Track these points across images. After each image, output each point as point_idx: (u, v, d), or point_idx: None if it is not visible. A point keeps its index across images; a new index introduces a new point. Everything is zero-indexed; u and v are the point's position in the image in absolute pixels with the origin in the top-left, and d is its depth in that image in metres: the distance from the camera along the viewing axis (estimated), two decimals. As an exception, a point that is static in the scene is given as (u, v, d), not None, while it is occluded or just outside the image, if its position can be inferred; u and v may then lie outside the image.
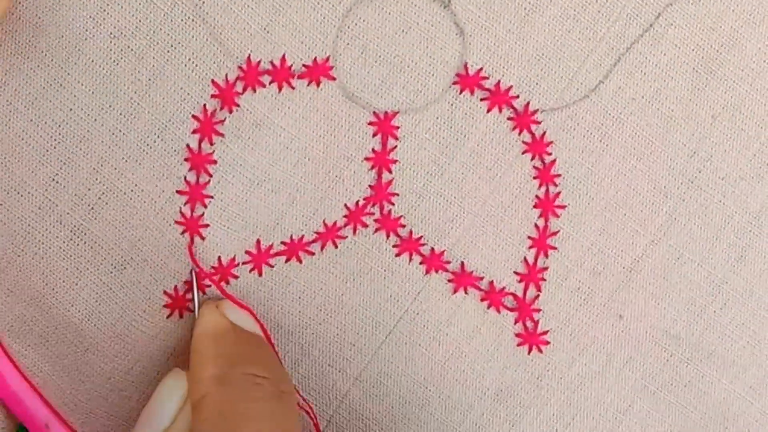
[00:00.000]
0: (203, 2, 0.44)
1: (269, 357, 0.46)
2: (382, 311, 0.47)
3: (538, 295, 0.48)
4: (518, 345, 0.48)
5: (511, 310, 0.48)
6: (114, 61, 0.44)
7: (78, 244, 0.45)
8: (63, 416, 0.48)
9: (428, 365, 0.48)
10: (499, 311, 0.48)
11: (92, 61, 0.44)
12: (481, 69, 0.46)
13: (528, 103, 0.46)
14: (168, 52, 0.44)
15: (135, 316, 0.46)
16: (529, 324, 0.48)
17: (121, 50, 0.44)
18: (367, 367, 0.48)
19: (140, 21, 0.44)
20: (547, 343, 0.48)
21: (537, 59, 0.46)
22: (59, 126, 0.44)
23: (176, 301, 0.46)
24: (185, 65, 0.44)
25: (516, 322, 0.48)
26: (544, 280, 0.48)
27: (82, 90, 0.44)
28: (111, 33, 0.44)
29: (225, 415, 0.41)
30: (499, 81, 0.46)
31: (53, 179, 0.45)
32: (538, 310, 0.48)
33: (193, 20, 0.44)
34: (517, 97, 0.46)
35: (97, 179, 0.45)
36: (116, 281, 0.46)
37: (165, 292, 0.46)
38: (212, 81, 0.44)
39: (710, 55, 0.46)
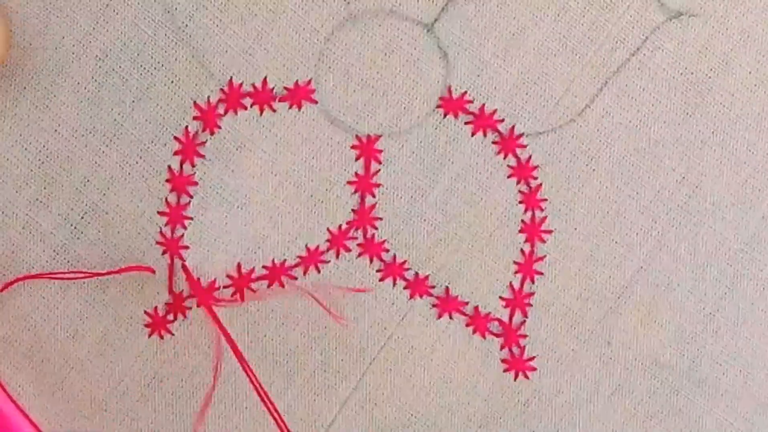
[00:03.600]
0: (186, 25, 0.47)
1: None
2: (367, 337, 0.50)
3: (525, 321, 0.50)
4: (504, 371, 0.50)
5: (497, 335, 0.50)
6: (99, 83, 0.47)
7: (61, 264, 0.48)
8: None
9: (413, 391, 0.50)
10: (484, 337, 0.50)
11: (78, 83, 0.47)
12: (466, 92, 0.48)
13: (513, 126, 0.48)
14: (151, 74, 0.47)
15: (117, 335, 0.49)
16: (515, 350, 0.50)
17: (107, 72, 0.47)
18: (352, 395, 0.50)
19: (125, 44, 0.46)
20: (534, 369, 0.50)
21: (522, 83, 0.48)
22: (44, 146, 0.47)
23: (156, 322, 0.49)
24: (168, 87, 0.47)
25: (502, 347, 0.50)
26: (531, 305, 0.50)
27: (68, 111, 0.47)
28: (97, 55, 0.47)
29: None
30: (483, 104, 0.48)
31: (37, 199, 0.47)
32: (525, 336, 0.50)
33: (176, 43, 0.47)
34: (502, 120, 0.48)
35: (80, 199, 0.47)
36: (99, 301, 0.48)
37: (146, 312, 0.49)
38: (194, 103, 0.47)
39: (699, 79, 0.48)
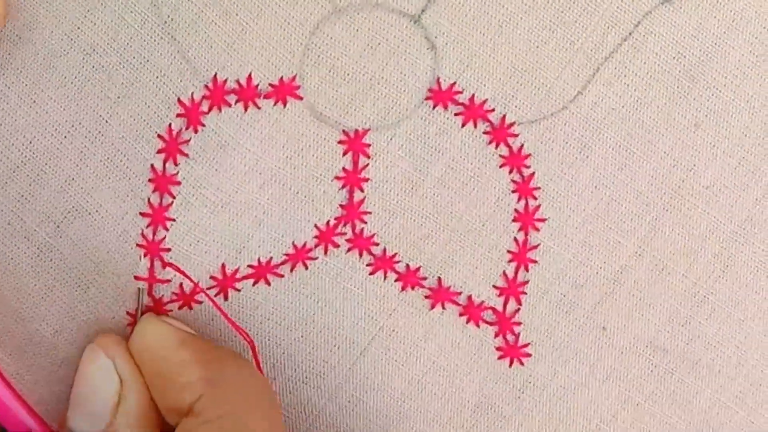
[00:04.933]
0: (171, 19, 0.46)
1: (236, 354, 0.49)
2: (356, 329, 0.50)
3: (519, 309, 0.50)
4: (499, 358, 0.51)
5: (491, 324, 0.50)
6: (85, 78, 0.46)
7: (45, 261, 0.48)
8: (47, 423, 0.51)
9: (405, 380, 0.51)
10: (478, 326, 0.50)
11: (65, 77, 0.46)
12: (455, 83, 0.48)
13: (504, 116, 0.48)
14: (137, 69, 0.46)
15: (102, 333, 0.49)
16: (509, 337, 0.51)
17: (93, 67, 0.46)
18: (342, 384, 0.51)
19: (112, 38, 0.46)
20: (529, 355, 0.51)
21: (512, 71, 0.48)
22: (30, 143, 0.47)
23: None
24: (153, 83, 0.46)
25: (496, 335, 0.51)
26: (525, 293, 0.50)
27: (54, 107, 0.46)
28: (84, 50, 0.46)
29: (227, 416, 0.45)
30: (473, 95, 0.48)
31: (22, 196, 0.47)
32: (519, 323, 0.50)
33: (161, 37, 0.46)
34: (493, 110, 0.48)
35: (64, 198, 0.47)
36: (82, 299, 0.48)
37: (127, 313, 0.49)
38: (178, 100, 0.47)
39: (692, 63, 0.48)
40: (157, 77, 0.47)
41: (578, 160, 0.49)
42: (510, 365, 0.51)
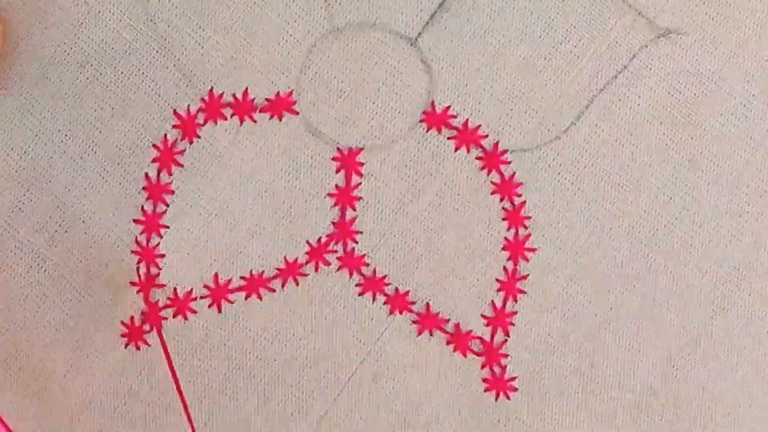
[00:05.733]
0: (168, 33, 0.47)
1: None
2: (345, 352, 0.50)
3: (506, 340, 0.50)
4: (485, 391, 0.50)
5: (478, 354, 0.50)
6: (80, 89, 0.47)
7: (38, 272, 0.49)
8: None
9: (392, 410, 0.50)
10: (465, 355, 0.50)
11: (59, 89, 0.47)
12: (449, 107, 0.49)
13: (497, 142, 0.49)
14: (132, 81, 0.47)
15: (93, 346, 0.49)
16: (496, 369, 0.50)
17: (88, 79, 0.47)
18: (328, 412, 0.50)
19: (106, 51, 0.47)
20: (515, 389, 0.50)
21: (507, 98, 0.49)
22: (25, 152, 0.48)
23: (133, 333, 0.49)
24: (148, 95, 0.48)
25: (483, 366, 0.50)
26: (513, 324, 0.50)
27: (49, 117, 0.48)
28: (79, 62, 0.47)
29: None
30: (467, 119, 0.49)
31: (16, 206, 0.48)
32: (506, 356, 0.50)
33: (157, 51, 0.47)
34: (486, 136, 0.49)
35: (58, 207, 0.48)
36: (75, 310, 0.49)
37: (122, 323, 0.49)
38: (174, 111, 0.48)
39: (687, 98, 0.49)
40: (153, 89, 0.48)
41: (570, 192, 0.49)
42: (496, 399, 0.51)
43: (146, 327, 0.49)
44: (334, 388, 0.50)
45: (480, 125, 0.49)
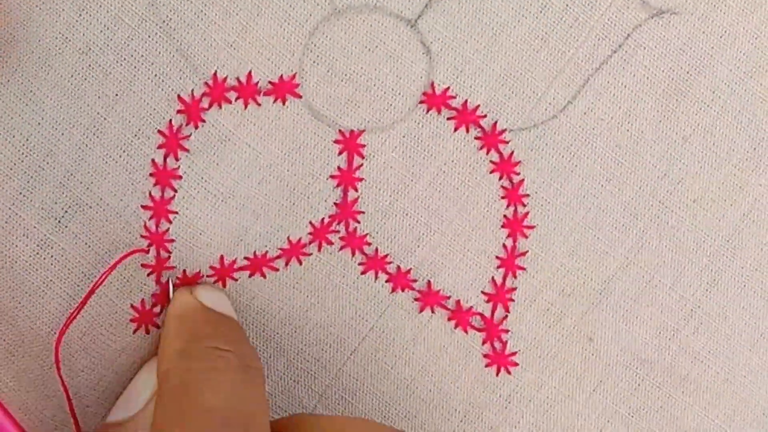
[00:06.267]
0: (170, 18, 0.48)
1: (237, 334, 0.48)
2: (348, 328, 0.51)
3: (507, 316, 0.51)
4: (486, 366, 0.52)
5: (479, 330, 0.51)
6: (82, 76, 0.48)
7: (45, 258, 0.49)
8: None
9: (394, 384, 0.52)
10: (466, 331, 0.51)
11: (61, 76, 0.48)
12: (449, 88, 0.50)
13: (496, 122, 0.50)
14: (135, 67, 0.48)
15: (102, 330, 0.50)
16: (497, 344, 0.52)
17: (89, 66, 0.48)
18: (332, 384, 0.52)
19: (108, 37, 0.48)
20: (516, 364, 0.52)
21: (505, 79, 0.50)
22: (27, 140, 0.48)
23: (143, 316, 0.50)
24: (152, 81, 0.48)
25: (484, 342, 0.52)
26: (513, 300, 0.51)
27: (50, 104, 0.48)
28: (80, 49, 0.48)
29: (187, 386, 0.44)
30: (466, 100, 0.50)
31: (20, 193, 0.48)
32: (507, 331, 0.51)
33: (160, 36, 0.48)
34: (485, 116, 0.50)
35: (63, 193, 0.49)
36: (79, 297, 0.50)
37: (132, 306, 0.50)
38: (178, 96, 0.48)
39: (681, 76, 0.50)
40: (156, 75, 0.48)
41: (567, 169, 0.50)
42: (497, 374, 0.52)
43: (157, 309, 0.50)
44: (337, 361, 0.51)
45: (479, 105, 0.50)
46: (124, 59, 0.48)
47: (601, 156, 0.50)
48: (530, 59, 0.49)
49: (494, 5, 0.49)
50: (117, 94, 0.48)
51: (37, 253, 0.49)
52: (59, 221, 0.49)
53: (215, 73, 0.48)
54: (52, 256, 0.49)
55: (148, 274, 0.49)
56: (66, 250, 0.49)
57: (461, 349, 0.51)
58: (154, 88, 0.48)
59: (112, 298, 0.49)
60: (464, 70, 0.49)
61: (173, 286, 0.49)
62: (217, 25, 0.48)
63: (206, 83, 0.48)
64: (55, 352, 0.49)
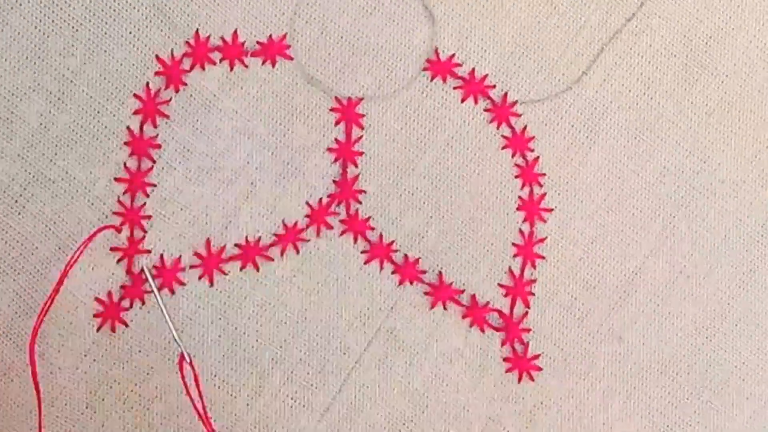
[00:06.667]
0: (148, -29, 0.43)
1: None
2: (352, 330, 0.44)
3: (527, 312, 0.45)
4: (507, 371, 0.45)
5: (498, 329, 0.45)
6: (44, 33, 0.43)
7: (-1, 243, 0.43)
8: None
9: (405, 394, 0.44)
10: (483, 330, 0.45)
11: (19, 33, 0.42)
12: (454, 55, 0.45)
13: (506, 93, 0.45)
14: (106, 24, 0.43)
15: (60, 329, 0.42)
16: (518, 346, 0.45)
17: (53, 21, 0.43)
18: (336, 399, 0.44)
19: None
20: (540, 369, 0.45)
21: (514, 47, 0.45)
22: (-22, 109, 0.42)
23: (109, 311, 0.43)
24: (126, 39, 0.43)
25: (503, 343, 0.45)
26: (533, 294, 0.45)
27: (7, 67, 0.42)
28: (42, 2, 0.43)
29: None
30: (473, 69, 0.45)
31: (-29, 169, 0.42)
32: (528, 330, 0.45)
33: (135, -10, 0.43)
34: (494, 86, 0.45)
35: (22, 167, 0.42)
36: (41, 286, 0.42)
37: (96, 299, 0.43)
38: (156, 57, 0.43)
39: (698, 47, 0.46)
40: (131, 33, 0.43)
41: (585, 146, 0.46)
42: (519, 380, 0.45)
43: (125, 303, 0.43)
44: (340, 372, 0.44)
45: (487, 75, 0.45)
46: (94, 14, 0.43)
47: (620, 132, 0.46)
48: (540, 26, 0.45)
49: (499, -32, 0.45)
50: (85, 54, 0.43)
51: (-10, 238, 0.42)
52: (16, 201, 0.42)
53: (197, 32, 0.43)
54: (6, 242, 0.42)
55: (118, 260, 0.43)
56: (24, 234, 0.42)
57: (478, 352, 0.45)
58: (129, 48, 0.43)
59: (72, 290, 0.42)
60: (470, 36, 0.45)
61: (150, 276, 0.43)
62: (199, -20, 0.44)
63: (187, 42, 0.43)
64: (30, 353, 0.41)
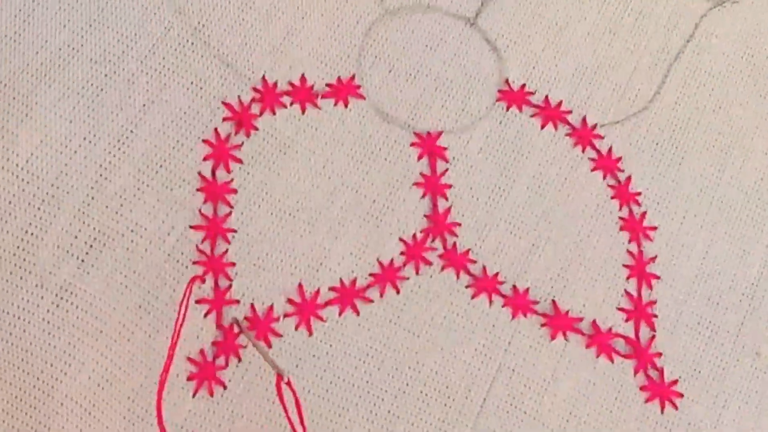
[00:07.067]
0: (202, 26, 0.41)
1: None
2: (471, 371, 0.39)
3: (654, 336, 0.41)
4: (646, 401, 0.40)
5: (627, 356, 0.40)
6: (98, 87, 0.40)
7: (67, 309, 0.37)
8: None
9: (541, 439, 0.39)
10: (611, 359, 0.40)
11: (70, 89, 0.39)
12: (525, 84, 0.43)
13: (585, 117, 0.43)
14: (164, 75, 0.40)
15: (151, 396, 0.37)
16: (652, 373, 0.40)
17: (106, 76, 0.40)
18: (464, 450, 0.38)
19: (128, 47, 0.40)
20: (680, 395, 0.40)
21: (582, 72, 0.44)
22: (38, 169, 0.38)
23: (204, 371, 0.37)
24: (187, 88, 0.40)
25: (636, 371, 0.40)
26: (656, 316, 0.41)
27: (61, 122, 0.39)
28: (91, 58, 0.40)
29: None
30: (547, 95, 0.43)
31: (26, 231, 0.37)
32: (659, 354, 0.40)
33: (192, 44, 0.40)
34: (571, 111, 0.43)
35: (84, 223, 0.38)
36: (123, 353, 0.37)
37: (189, 359, 0.37)
38: (223, 102, 0.40)
39: (761, 61, 0.45)
40: (193, 83, 0.40)
41: (675, 162, 0.43)
42: (662, 410, 0.40)
43: (221, 361, 0.37)
44: (466, 419, 0.38)
45: (561, 101, 0.43)
46: (151, 68, 0.40)
47: (705, 146, 0.43)
48: (603, 52, 0.44)
49: (552, 1, 0.44)
50: (145, 105, 0.39)
51: (57, 306, 0.37)
52: (82, 261, 0.37)
53: (264, 77, 0.41)
54: (76, 306, 0.37)
55: (206, 314, 0.38)
56: (95, 295, 0.37)
57: (611, 382, 0.40)
58: (191, 96, 0.40)
59: (159, 350, 0.37)
60: (537, 66, 0.43)
61: (241, 329, 0.37)
62: (258, 30, 0.41)
63: (254, 88, 0.40)
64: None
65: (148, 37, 0.40)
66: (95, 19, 0.40)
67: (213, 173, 0.39)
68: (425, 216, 0.40)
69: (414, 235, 0.40)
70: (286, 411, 0.35)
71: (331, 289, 0.39)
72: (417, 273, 0.40)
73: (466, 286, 0.40)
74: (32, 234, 0.37)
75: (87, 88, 0.39)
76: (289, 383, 0.35)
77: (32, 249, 0.37)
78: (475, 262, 0.40)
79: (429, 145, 0.41)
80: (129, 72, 0.40)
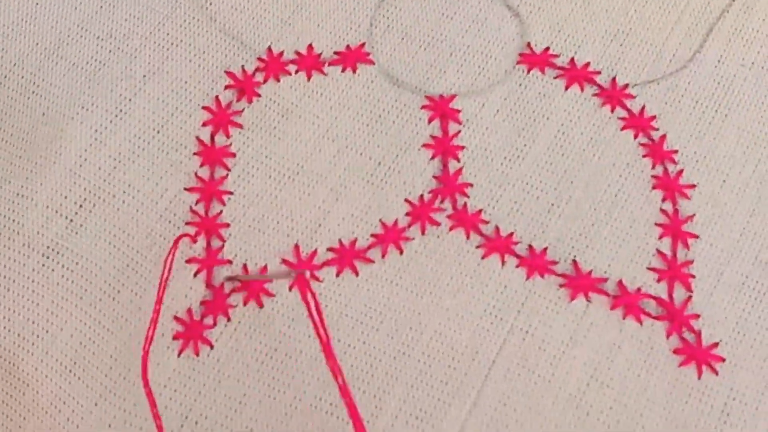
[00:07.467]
0: (211, 3, 0.41)
1: None
2: (479, 333, 0.36)
3: (690, 297, 0.37)
4: (681, 365, 0.36)
5: (659, 318, 0.36)
6: (100, 62, 0.40)
7: (54, 269, 0.36)
8: None
9: (557, 406, 0.35)
10: (640, 321, 0.36)
11: (73, 64, 0.40)
12: (548, 48, 0.41)
13: (614, 77, 0.40)
14: (167, 50, 0.40)
15: (134, 355, 0.35)
16: (687, 335, 0.36)
17: (110, 51, 0.40)
18: (471, 413, 0.35)
19: (135, 25, 0.41)
20: (722, 359, 0.36)
21: (613, 35, 0.41)
22: (32, 128, 0.39)
23: (191, 330, 0.35)
24: (189, 59, 0.40)
25: (669, 334, 0.36)
26: (693, 276, 0.37)
27: (61, 91, 0.40)
28: (98, 36, 0.41)
29: None
30: (572, 57, 0.41)
31: (18, 194, 0.37)
32: (696, 316, 0.36)
33: (197, 20, 0.41)
34: (599, 72, 0.40)
35: (76, 184, 0.38)
36: (107, 311, 0.36)
37: (175, 318, 0.36)
38: (226, 72, 0.39)
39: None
40: (196, 54, 0.40)
41: (717, 120, 0.40)
42: (699, 375, 0.36)
43: (208, 321, 0.36)
44: (472, 382, 0.35)
45: (588, 62, 0.41)
46: (154, 43, 0.40)
47: (753, 103, 0.40)
48: (637, 13, 0.42)
49: (581, -34, 0.42)
50: (145, 75, 0.39)
51: (43, 265, 0.37)
52: (71, 220, 0.37)
53: (269, 48, 0.40)
54: (63, 266, 0.36)
55: (195, 273, 0.36)
56: (82, 255, 0.36)
57: (640, 345, 0.36)
58: (193, 67, 0.40)
59: (146, 311, 0.35)
60: (563, 29, 0.41)
61: (236, 277, 0.36)
62: (267, 5, 0.41)
63: (259, 58, 0.40)
64: (146, 386, 0.34)
65: (154, 15, 0.41)
66: (106, 0, 0.41)
67: (212, 138, 0.38)
68: (434, 177, 0.38)
69: (421, 196, 0.38)
70: (309, 311, 0.34)
71: (329, 249, 0.37)
72: (423, 233, 0.37)
73: (477, 247, 0.37)
74: (23, 196, 0.37)
75: (90, 63, 0.40)
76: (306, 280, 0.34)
77: (22, 210, 0.37)
78: (487, 222, 0.38)
79: (441, 108, 0.39)
80: (132, 48, 0.40)
